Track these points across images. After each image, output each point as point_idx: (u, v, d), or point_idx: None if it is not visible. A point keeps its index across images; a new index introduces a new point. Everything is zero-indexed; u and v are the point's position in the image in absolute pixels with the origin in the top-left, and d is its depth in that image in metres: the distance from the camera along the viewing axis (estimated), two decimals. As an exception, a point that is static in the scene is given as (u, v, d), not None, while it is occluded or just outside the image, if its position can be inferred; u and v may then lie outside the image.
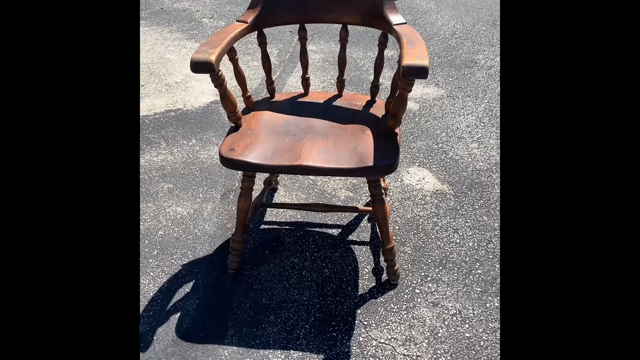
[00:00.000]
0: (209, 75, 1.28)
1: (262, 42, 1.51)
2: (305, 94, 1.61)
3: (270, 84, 1.58)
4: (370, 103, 1.54)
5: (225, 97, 1.35)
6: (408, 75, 1.19)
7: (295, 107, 1.54)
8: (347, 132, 1.40)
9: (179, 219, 1.75)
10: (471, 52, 2.88)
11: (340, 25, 1.54)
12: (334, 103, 1.55)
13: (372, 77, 2.59)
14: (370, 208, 1.61)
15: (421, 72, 1.18)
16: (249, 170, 1.32)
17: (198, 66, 1.24)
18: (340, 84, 1.59)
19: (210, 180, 1.93)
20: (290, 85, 2.57)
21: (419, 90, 2.50)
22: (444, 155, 2.03)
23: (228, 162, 1.31)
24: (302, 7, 1.50)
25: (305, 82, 1.59)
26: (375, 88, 1.55)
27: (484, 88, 2.51)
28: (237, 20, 1.46)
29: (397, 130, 1.39)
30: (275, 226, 1.72)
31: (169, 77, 2.68)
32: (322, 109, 1.52)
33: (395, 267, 1.48)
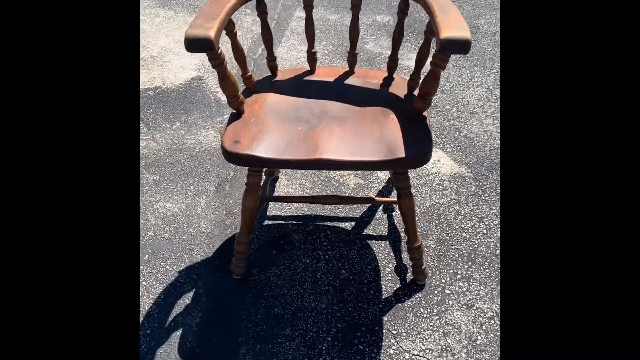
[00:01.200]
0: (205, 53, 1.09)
1: (262, 10, 1.32)
2: (312, 70, 1.43)
3: (272, 60, 1.39)
4: (387, 81, 1.38)
5: (225, 79, 1.17)
6: (447, 50, 1.03)
7: (303, 87, 1.36)
8: (368, 116, 1.24)
9: (170, 216, 1.58)
10: (472, 16, 2.72)
11: (352, -10, 1.36)
12: (346, 81, 1.38)
13: (365, 46, 2.41)
14: (389, 199, 1.47)
15: (463, 46, 1.02)
16: (260, 166, 1.15)
17: (194, 44, 1.05)
18: (352, 58, 1.41)
19: (201, 169, 1.75)
20: (280, 58, 2.37)
21: (421, 60, 2.33)
22: (457, 133, 1.88)
23: (234, 157, 1.13)
24: (309, -31, 1.30)
25: (312, 57, 1.41)
26: (393, 63, 1.38)
27: (491, 56, 2.36)
28: (233, -13, 1.27)
29: (424, 114, 1.24)
30: (280, 221, 1.56)
31: (143, 51, 2.45)
32: (333, 88, 1.35)
33: (423, 267, 1.35)
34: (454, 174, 1.71)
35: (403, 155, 1.11)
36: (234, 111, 1.25)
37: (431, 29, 1.22)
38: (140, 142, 1.87)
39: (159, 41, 2.53)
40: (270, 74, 1.42)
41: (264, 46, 2.46)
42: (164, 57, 2.40)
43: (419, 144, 1.14)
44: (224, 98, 2.09)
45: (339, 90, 1.34)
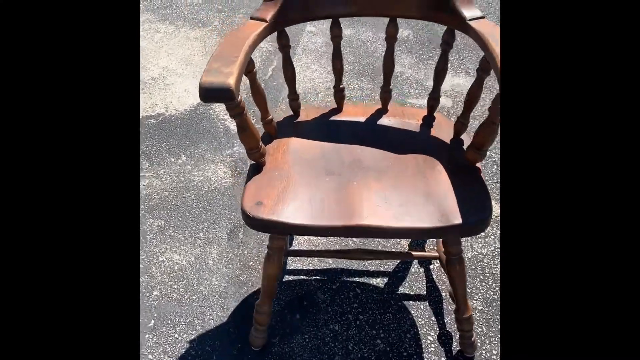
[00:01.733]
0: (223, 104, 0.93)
1: (285, 44, 1.16)
2: (340, 109, 1.26)
3: (294, 98, 1.23)
4: (428, 121, 1.21)
5: (245, 130, 1.00)
6: (515, 100, 0.86)
7: (330, 129, 1.20)
8: (409, 166, 1.07)
9: (178, 271, 1.41)
10: (497, 29, 2.56)
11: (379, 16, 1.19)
12: (379, 121, 1.22)
13: (395, 69, 2.25)
14: (429, 254, 1.30)
15: (535, 96, 0.85)
16: (288, 233, 0.98)
17: (212, 94, 0.89)
18: (386, 94, 1.24)
19: (211, 212, 1.59)
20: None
21: (447, 80, 2.17)
22: (495, 167, 1.72)
23: (257, 223, 0.97)
24: (338, -5, 1.14)
25: (340, 93, 1.25)
26: (434, 100, 1.22)
27: (523, 75, 2.19)
28: (252, 18, 1.10)
29: (478, 165, 1.07)
30: (302, 276, 1.39)
31: (142, 72, 2.29)
32: (366, 130, 1.19)
33: (473, 338, 1.18)
34: (496, 217, 1.54)
35: (460, 221, 0.94)
36: (253, 162, 1.09)
37: (486, 67, 1.05)
38: (143, 180, 1.70)
39: (160, 61, 2.37)
40: (292, 114, 1.26)
41: (274, 65, 2.30)
42: (166, 79, 2.23)
43: (476, 205, 0.97)
44: (233, 127, 1.93)
45: (372, 133, 1.18)
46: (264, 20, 1.09)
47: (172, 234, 1.52)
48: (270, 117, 1.16)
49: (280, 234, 1.00)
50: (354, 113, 1.25)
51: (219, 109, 2.03)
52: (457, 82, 2.15)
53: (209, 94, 0.89)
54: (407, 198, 1.00)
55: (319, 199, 1.00)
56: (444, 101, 2.04)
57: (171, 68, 2.31)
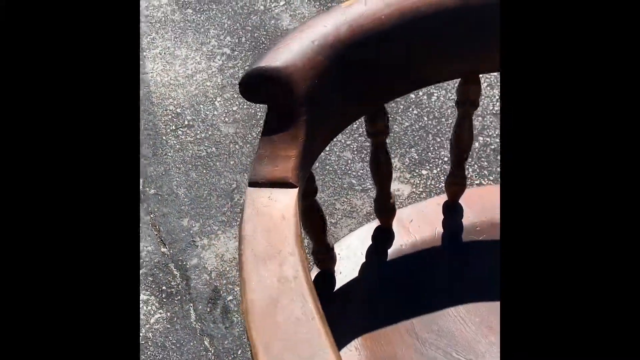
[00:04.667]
0: None
1: (310, 191, 0.62)
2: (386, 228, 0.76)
3: (327, 258, 0.70)
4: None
5: None
6: None
7: (416, 280, 0.72)
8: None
9: None
10: None
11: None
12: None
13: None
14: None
15: None
16: None
17: None
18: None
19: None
20: (275, 29, 1.55)
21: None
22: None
23: None
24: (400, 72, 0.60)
25: (457, 186, 0.76)
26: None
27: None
28: (254, 183, 0.53)
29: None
30: None
31: None
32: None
33: None
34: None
35: None
36: None
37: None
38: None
39: None
40: (320, 271, 0.74)
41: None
42: None
43: None
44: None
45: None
46: (288, 184, 0.53)
47: None
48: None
49: None
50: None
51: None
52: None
53: None
54: None
55: None
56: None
57: None
